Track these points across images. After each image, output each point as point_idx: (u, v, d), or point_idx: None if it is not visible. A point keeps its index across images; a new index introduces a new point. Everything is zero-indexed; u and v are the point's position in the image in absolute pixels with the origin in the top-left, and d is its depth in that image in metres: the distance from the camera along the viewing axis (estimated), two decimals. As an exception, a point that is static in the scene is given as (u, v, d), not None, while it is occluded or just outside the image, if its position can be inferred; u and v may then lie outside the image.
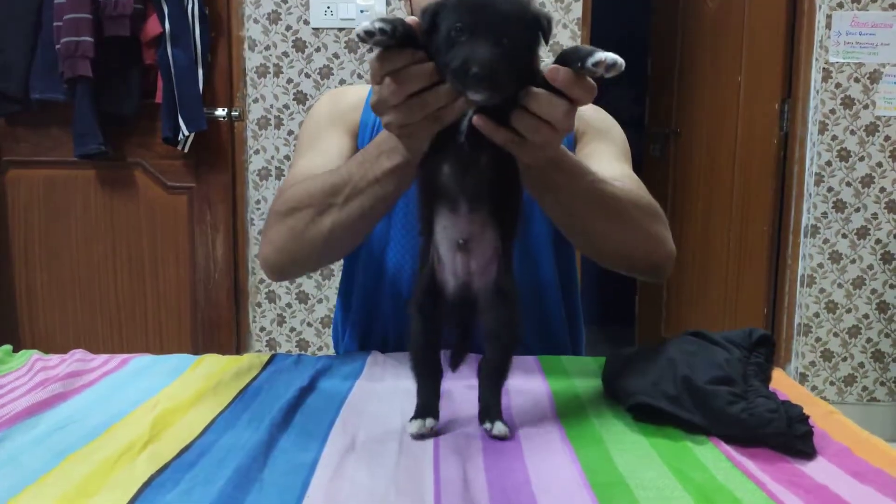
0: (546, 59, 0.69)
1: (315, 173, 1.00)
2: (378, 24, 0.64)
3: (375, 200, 0.90)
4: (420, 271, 0.76)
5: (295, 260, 1.00)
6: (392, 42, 0.66)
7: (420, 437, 0.72)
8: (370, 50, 0.69)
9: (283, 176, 2.81)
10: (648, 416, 0.76)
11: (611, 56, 0.64)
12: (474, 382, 0.77)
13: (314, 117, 1.17)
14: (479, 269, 0.73)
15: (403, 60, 0.68)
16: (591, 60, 0.64)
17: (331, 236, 0.94)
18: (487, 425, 0.73)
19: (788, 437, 0.69)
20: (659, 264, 1.01)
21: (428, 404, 0.74)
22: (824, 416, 0.77)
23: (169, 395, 0.86)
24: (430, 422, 0.73)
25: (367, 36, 0.64)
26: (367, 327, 1.19)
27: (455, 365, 0.81)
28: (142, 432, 0.74)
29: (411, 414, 0.74)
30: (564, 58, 0.68)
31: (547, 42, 0.69)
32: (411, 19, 0.68)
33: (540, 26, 0.69)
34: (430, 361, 0.75)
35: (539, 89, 0.69)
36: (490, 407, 0.74)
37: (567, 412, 0.80)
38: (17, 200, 2.81)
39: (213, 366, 0.98)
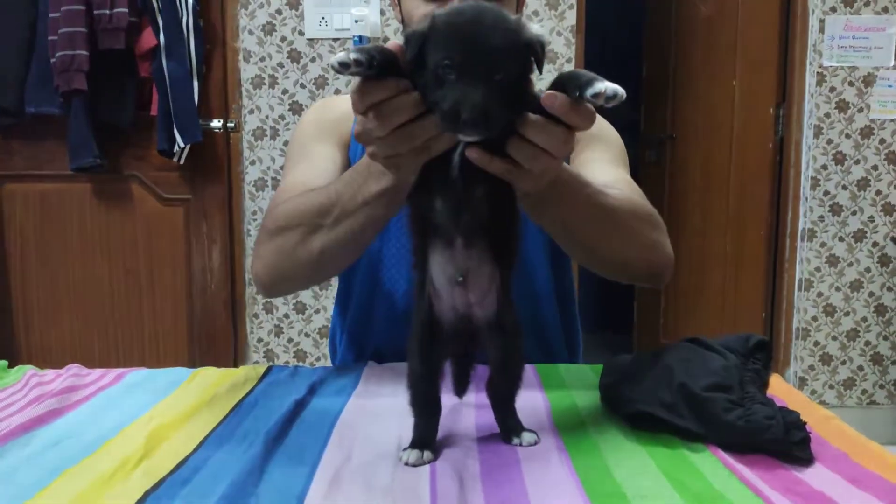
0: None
1: (305, 186, 0.99)
2: (353, 55, 0.60)
3: (365, 223, 0.88)
4: (417, 306, 0.73)
5: (285, 278, 0.99)
6: (371, 73, 0.62)
7: (415, 466, 0.70)
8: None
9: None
10: (645, 424, 0.76)
11: (611, 87, 0.61)
12: (471, 398, 0.76)
13: (303, 128, 1.16)
14: (477, 301, 0.71)
15: (386, 92, 0.65)
16: (590, 91, 0.61)
17: (321, 257, 0.92)
18: (515, 440, 0.73)
19: (785, 443, 0.69)
20: (658, 271, 1.01)
21: (426, 438, 0.72)
22: (821, 422, 0.77)
23: (164, 410, 0.85)
24: (427, 455, 0.70)
25: (343, 67, 0.60)
26: (362, 337, 1.18)
27: (460, 393, 0.80)
28: (136, 448, 0.73)
29: (407, 427, 0.74)
30: (562, 83, 0.64)
31: (541, 70, 0.66)
32: (393, 44, 0.65)
33: (533, 53, 0.65)
34: (430, 398, 0.73)
35: (536, 116, 0.65)
36: (510, 425, 0.74)
37: (564, 422, 0.80)
38: (13, 214, 2.81)
39: (209, 379, 0.98)
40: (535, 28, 0.66)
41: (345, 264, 1.02)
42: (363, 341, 1.18)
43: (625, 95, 0.61)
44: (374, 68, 0.62)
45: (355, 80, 0.65)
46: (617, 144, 1.16)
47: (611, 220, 0.90)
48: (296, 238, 0.93)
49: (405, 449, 0.70)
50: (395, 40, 0.67)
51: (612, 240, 0.92)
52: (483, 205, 0.69)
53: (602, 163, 1.10)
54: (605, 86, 0.61)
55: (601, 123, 1.18)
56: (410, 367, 0.73)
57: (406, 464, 0.69)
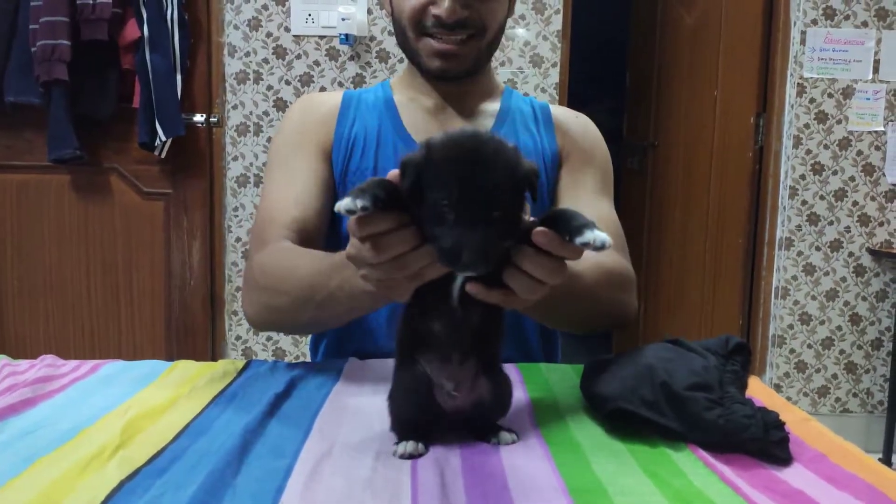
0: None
1: (288, 213, 1.04)
2: (360, 202, 0.61)
3: (350, 311, 0.93)
4: (402, 368, 0.73)
5: (277, 328, 1.09)
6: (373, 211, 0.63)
7: (410, 458, 0.69)
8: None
9: (262, 184, 2.79)
10: (626, 422, 0.76)
11: (600, 237, 0.62)
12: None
13: (285, 133, 1.15)
14: (464, 397, 0.72)
15: (385, 225, 0.65)
16: (579, 240, 0.63)
17: (309, 325, 1.02)
18: (493, 440, 0.73)
19: (765, 442, 0.69)
20: (619, 324, 1.07)
21: (419, 430, 0.72)
22: (800, 423, 0.78)
23: (141, 401, 0.84)
24: (421, 447, 0.70)
25: (349, 214, 0.62)
26: (343, 340, 1.17)
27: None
28: (112, 437, 0.72)
29: (388, 421, 0.73)
30: (553, 221, 0.66)
31: (535, 200, 0.67)
32: (393, 174, 0.65)
33: (529, 186, 0.66)
34: (415, 428, 0.73)
35: (529, 249, 0.66)
36: (488, 430, 0.74)
37: (545, 419, 0.80)
38: (-11, 204, 2.77)
39: (187, 372, 0.96)
40: (526, 160, 0.66)
41: (335, 327, 1.09)
42: (345, 345, 1.17)
43: (611, 245, 0.63)
44: (379, 208, 0.63)
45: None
46: (606, 167, 1.19)
47: (583, 299, 0.95)
48: (286, 304, 0.96)
49: (398, 442, 0.70)
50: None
51: (580, 312, 0.99)
52: (477, 326, 0.71)
53: (589, 193, 1.13)
54: (594, 236, 0.63)
55: (592, 138, 1.20)
56: (394, 404, 0.74)
57: (401, 456, 0.69)
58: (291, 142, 1.13)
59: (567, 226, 0.65)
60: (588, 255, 0.91)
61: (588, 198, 1.12)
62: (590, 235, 0.63)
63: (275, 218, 1.05)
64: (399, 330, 0.74)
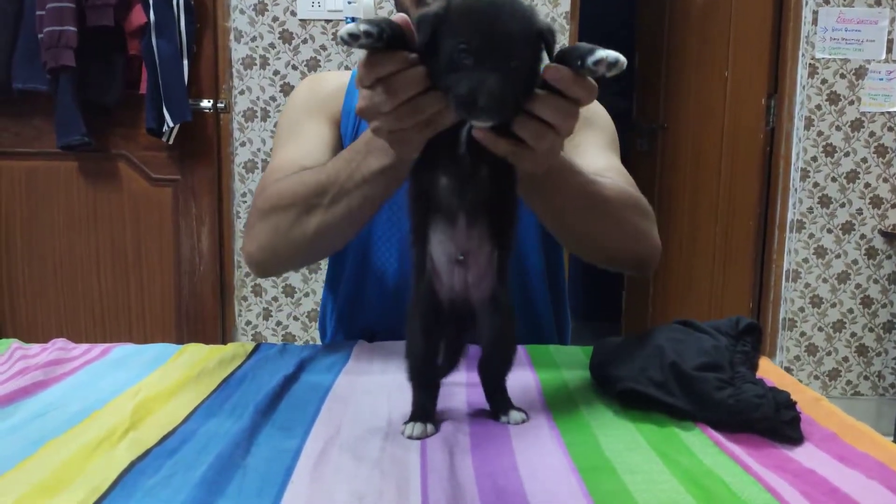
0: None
1: (297, 164, 0.99)
2: (363, 27, 0.60)
3: (363, 201, 0.87)
4: (416, 284, 0.72)
5: (279, 258, 0.98)
6: (380, 45, 0.62)
7: (419, 438, 0.69)
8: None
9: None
10: (636, 402, 0.75)
11: (612, 54, 0.61)
12: (462, 377, 0.76)
13: (293, 105, 1.14)
14: (475, 282, 0.71)
15: (395, 65, 0.64)
16: (591, 59, 0.61)
17: (315, 237, 0.91)
18: (503, 419, 0.72)
19: (776, 422, 0.69)
20: (645, 259, 1.01)
21: (427, 411, 0.71)
22: (811, 403, 0.77)
23: (151, 384, 0.85)
24: (430, 428, 0.69)
25: (352, 39, 0.60)
26: (352, 317, 1.18)
27: (449, 371, 0.79)
28: (123, 419, 0.72)
29: (397, 403, 0.73)
30: (563, 57, 0.64)
31: (551, 57, 0.66)
32: (400, 17, 0.64)
33: (545, 41, 0.65)
34: (430, 373, 0.73)
35: (542, 91, 0.65)
36: (500, 403, 0.74)
37: (555, 399, 0.80)
38: (-1, 191, 2.78)
39: (197, 355, 0.97)
40: (542, 19, 0.66)
41: (340, 244, 1.01)
42: (353, 321, 1.17)
43: (626, 63, 0.61)
44: (384, 41, 0.62)
45: (362, 54, 0.65)
46: (609, 130, 1.16)
47: (601, 208, 0.90)
48: (290, 218, 0.92)
49: (406, 422, 0.70)
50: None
51: (601, 228, 0.93)
52: (486, 184, 0.69)
53: (594, 148, 1.10)
54: (606, 53, 0.61)
55: (594, 107, 1.18)
56: (410, 343, 0.73)
57: (409, 437, 0.68)
58: (300, 112, 1.12)
59: (576, 54, 0.63)
60: (607, 181, 0.91)
61: (595, 153, 1.08)
62: (601, 53, 0.61)
63: (281, 166, 1.02)
64: (409, 204, 0.72)
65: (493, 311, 0.72)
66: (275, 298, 2.88)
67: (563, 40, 2.80)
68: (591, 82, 0.65)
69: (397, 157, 0.79)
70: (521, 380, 0.86)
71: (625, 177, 1.06)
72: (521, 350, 0.98)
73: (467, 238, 0.69)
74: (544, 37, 0.65)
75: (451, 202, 0.68)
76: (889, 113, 2.84)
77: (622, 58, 0.61)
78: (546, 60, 0.66)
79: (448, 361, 0.79)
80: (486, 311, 0.72)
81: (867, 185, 2.88)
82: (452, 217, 0.68)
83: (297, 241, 0.93)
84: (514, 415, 0.73)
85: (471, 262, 0.70)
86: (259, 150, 2.82)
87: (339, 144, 1.12)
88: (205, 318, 2.86)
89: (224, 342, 2.87)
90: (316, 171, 0.91)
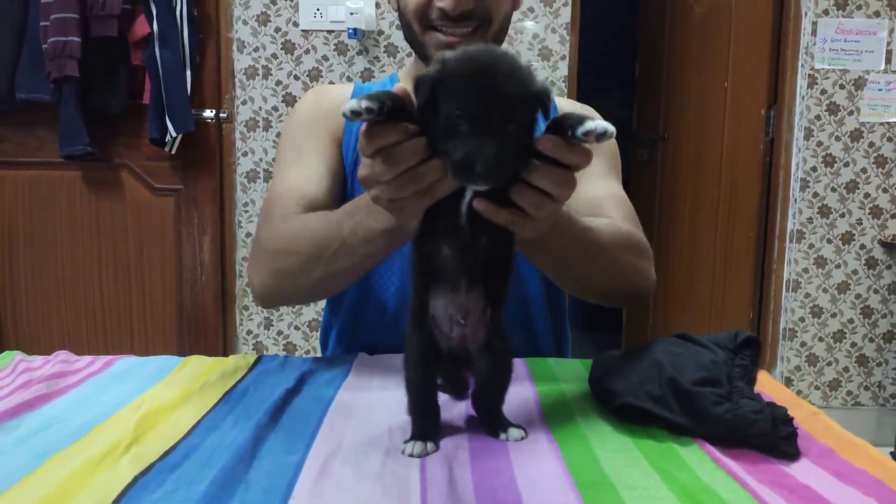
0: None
1: (300, 191, 1.03)
2: (365, 104, 0.61)
3: (365, 258, 0.90)
4: (414, 334, 0.74)
5: (283, 296, 1.03)
6: (381, 118, 0.63)
7: (419, 457, 0.70)
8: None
9: (271, 178, 2.80)
10: (634, 417, 0.76)
11: (601, 124, 0.62)
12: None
13: (297, 119, 1.16)
14: (472, 334, 0.73)
15: (395, 136, 0.65)
16: (580, 130, 0.63)
17: (319, 283, 0.95)
18: (503, 436, 0.73)
19: (773, 437, 0.69)
20: (639, 294, 1.04)
21: (426, 430, 0.72)
22: (808, 418, 0.78)
23: (154, 397, 0.85)
24: (430, 446, 0.70)
25: (354, 115, 0.61)
26: (352, 333, 1.18)
27: (459, 394, 0.83)
28: (126, 433, 0.73)
29: (398, 418, 0.74)
30: (555, 126, 0.66)
31: (548, 119, 0.67)
32: (399, 87, 0.65)
33: (541, 104, 0.66)
34: (429, 403, 0.74)
35: (538, 162, 0.66)
36: (496, 423, 0.74)
37: (553, 413, 0.80)
38: (2, 201, 2.79)
39: (199, 367, 0.97)
40: (540, 78, 0.67)
41: (344, 287, 1.05)
42: (354, 338, 1.18)
43: (615, 132, 0.63)
44: (384, 114, 0.63)
45: (364, 124, 0.65)
46: (611, 154, 1.18)
47: (599, 256, 0.93)
48: (295, 264, 0.95)
49: (407, 441, 0.70)
50: (400, 85, 0.67)
51: (598, 272, 0.96)
52: (486, 251, 0.70)
53: (595, 175, 1.11)
54: (595, 124, 0.62)
55: None
56: (409, 379, 0.74)
57: (410, 455, 0.69)
58: (303, 129, 1.14)
59: (565, 124, 0.64)
60: (604, 220, 0.94)
61: (596, 182, 1.10)
62: (591, 124, 0.62)
63: (285, 194, 1.05)
64: (411, 267, 0.74)
65: (487, 354, 0.74)
66: (276, 308, 2.88)
67: (563, 51, 2.81)
68: (585, 148, 0.66)
69: (398, 223, 0.80)
70: (520, 393, 0.86)
71: (624, 206, 1.09)
72: (520, 363, 0.99)
73: (467, 300, 0.71)
74: (540, 100, 0.66)
75: (453, 270, 0.70)
76: (888, 123, 2.85)
77: (611, 127, 0.62)
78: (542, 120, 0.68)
79: (453, 388, 0.81)
80: (481, 355, 0.74)
81: (867, 196, 2.88)
82: (455, 284, 0.71)
83: (301, 285, 0.97)
84: (513, 432, 0.73)
85: (468, 320, 0.72)
86: (261, 159, 2.83)
87: (341, 164, 1.13)
88: (206, 327, 2.87)
89: (225, 351, 2.88)
90: (320, 221, 0.93)
